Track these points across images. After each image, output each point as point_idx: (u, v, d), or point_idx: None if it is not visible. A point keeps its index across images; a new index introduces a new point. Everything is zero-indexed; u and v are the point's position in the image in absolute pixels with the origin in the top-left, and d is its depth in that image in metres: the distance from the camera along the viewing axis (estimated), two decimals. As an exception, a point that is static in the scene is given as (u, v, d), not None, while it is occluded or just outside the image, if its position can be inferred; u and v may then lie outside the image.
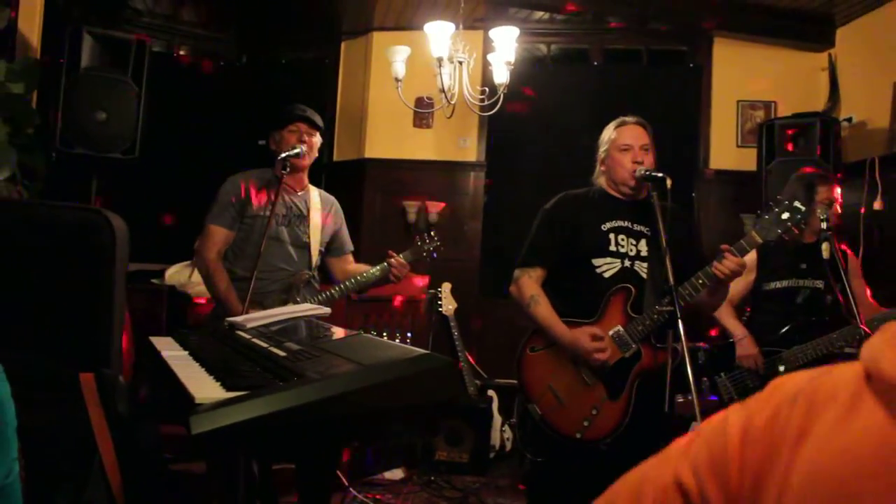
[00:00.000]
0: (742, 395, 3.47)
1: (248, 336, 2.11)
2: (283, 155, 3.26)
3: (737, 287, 3.51)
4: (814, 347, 3.43)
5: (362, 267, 3.50)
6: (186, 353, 2.00)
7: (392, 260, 3.35)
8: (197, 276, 4.90)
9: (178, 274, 5.02)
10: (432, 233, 3.53)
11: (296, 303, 3.31)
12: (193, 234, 5.26)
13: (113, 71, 4.44)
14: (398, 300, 5.25)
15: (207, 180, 5.98)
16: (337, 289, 3.42)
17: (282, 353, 1.73)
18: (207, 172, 6.06)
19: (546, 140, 5.93)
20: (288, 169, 3.29)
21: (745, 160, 5.56)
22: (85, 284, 1.66)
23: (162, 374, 1.81)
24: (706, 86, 5.95)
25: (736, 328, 3.57)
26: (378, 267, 3.38)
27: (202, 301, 4.92)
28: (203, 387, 1.49)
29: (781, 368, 3.46)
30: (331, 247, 3.60)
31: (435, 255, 3.52)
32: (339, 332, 2.01)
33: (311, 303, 3.33)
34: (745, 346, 3.51)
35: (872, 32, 5.38)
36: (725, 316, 3.58)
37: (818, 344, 3.42)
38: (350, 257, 3.68)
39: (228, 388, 1.46)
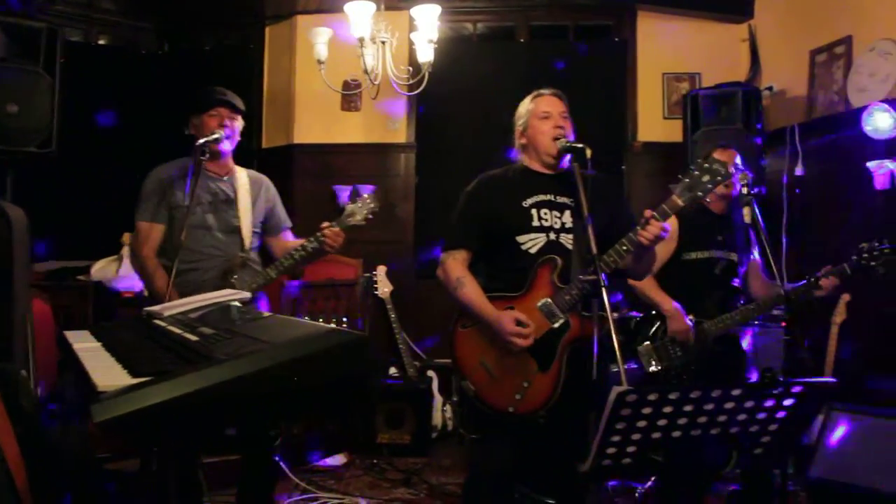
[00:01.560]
0: (667, 363, 3.51)
1: (164, 324, 2.05)
2: (201, 141, 3.18)
3: (658, 255, 3.55)
4: (732, 318, 3.50)
5: (300, 243, 3.38)
6: (100, 344, 1.94)
7: (326, 230, 3.25)
8: (124, 271, 4.80)
9: (104, 269, 4.90)
10: (365, 195, 3.43)
11: (233, 288, 3.25)
12: (119, 229, 5.15)
13: (23, 62, 4.29)
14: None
15: (132, 172, 5.86)
16: (273, 268, 3.34)
17: (194, 338, 1.69)
18: (132, 164, 5.92)
19: (475, 119, 5.92)
20: (207, 155, 3.21)
21: (672, 132, 5.63)
22: (-18, 277, 1.59)
23: (74, 366, 1.75)
24: (632, 60, 6.01)
25: (665, 301, 3.52)
26: (312, 238, 3.27)
27: (130, 295, 4.81)
28: (108, 375, 1.44)
29: (709, 338, 3.52)
30: (267, 226, 3.53)
31: (371, 216, 3.36)
32: (255, 315, 1.97)
33: (251, 285, 3.28)
34: (678, 321, 3.47)
35: (788, 2, 5.50)
36: (651, 289, 3.54)
37: (738, 313, 3.50)
38: (288, 234, 3.60)
39: (135, 375, 1.42)
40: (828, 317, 4.43)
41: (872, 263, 3.34)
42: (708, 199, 3.55)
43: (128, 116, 5.98)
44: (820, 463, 4.08)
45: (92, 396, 1.32)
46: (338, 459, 4.85)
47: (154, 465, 3.26)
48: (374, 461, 4.82)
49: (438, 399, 5.28)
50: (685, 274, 3.58)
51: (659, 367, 3.50)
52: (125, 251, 4.97)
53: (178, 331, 1.86)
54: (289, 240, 3.58)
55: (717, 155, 3.53)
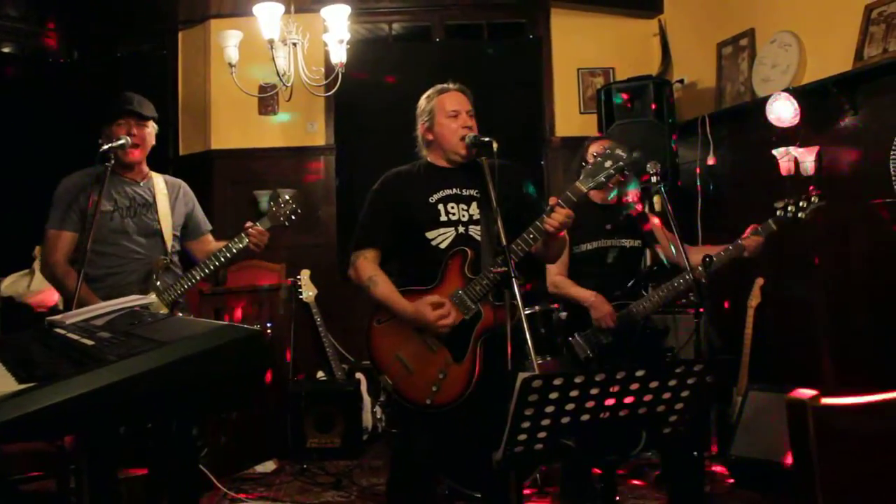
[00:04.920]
0: (599, 352, 3.58)
1: (64, 332, 2.00)
2: (105, 147, 3.14)
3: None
4: (658, 294, 3.57)
5: (223, 245, 3.35)
6: (-6, 356, 1.88)
7: (250, 230, 3.25)
8: (36, 285, 4.67)
9: (15, 284, 4.74)
10: (287, 197, 3.43)
11: (157, 291, 3.22)
12: (29, 242, 4.99)
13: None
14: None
15: (42, 184, 5.70)
16: (198, 269, 3.29)
17: (90, 343, 1.65)
18: (42, 176, 5.75)
19: (394, 119, 5.90)
20: (112, 161, 3.16)
21: (588, 126, 5.73)
22: None
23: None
24: (546, 56, 6.10)
25: (582, 293, 3.58)
26: (236, 239, 3.27)
27: (43, 310, 4.67)
28: (-7, 383, 1.40)
29: (639, 319, 3.59)
30: (186, 230, 3.49)
31: (294, 217, 3.38)
32: (156, 317, 1.94)
33: (176, 289, 3.24)
34: (599, 307, 3.53)
35: (695, -2, 5.68)
36: (567, 286, 3.63)
37: (662, 290, 3.57)
38: (209, 237, 3.57)
39: (21, 381, 1.38)
40: (743, 301, 4.58)
41: (800, 215, 3.45)
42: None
43: (37, 126, 5.80)
44: (740, 441, 4.21)
45: (-26, 405, 1.28)
46: (267, 466, 4.80)
47: (71, 485, 3.18)
48: (304, 466, 4.77)
49: (367, 400, 5.25)
50: (579, 266, 3.68)
51: (591, 355, 3.56)
52: (37, 265, 4.82)
53: (75, 337, 1.82)
54: (210, 243, 3.55)
55: (592, 147, 3.60)
